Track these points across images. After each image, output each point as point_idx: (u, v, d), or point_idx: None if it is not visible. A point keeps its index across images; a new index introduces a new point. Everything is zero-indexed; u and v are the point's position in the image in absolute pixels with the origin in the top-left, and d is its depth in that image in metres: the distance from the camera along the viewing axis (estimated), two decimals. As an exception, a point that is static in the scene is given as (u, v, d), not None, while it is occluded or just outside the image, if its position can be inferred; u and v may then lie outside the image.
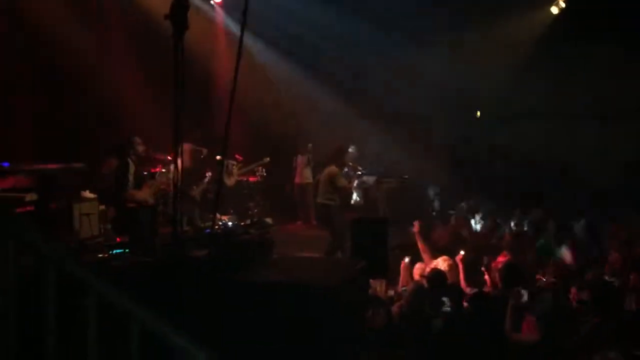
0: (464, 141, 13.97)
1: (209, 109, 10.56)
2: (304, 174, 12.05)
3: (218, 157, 9.19)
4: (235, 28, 11.34)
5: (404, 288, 6.41)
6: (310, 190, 11.91)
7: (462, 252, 6.24)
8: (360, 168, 9.25)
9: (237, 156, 10.87)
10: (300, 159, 12.11)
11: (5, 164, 7.02)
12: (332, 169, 8.38)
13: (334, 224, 8.28)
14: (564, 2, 11.83)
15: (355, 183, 9.43)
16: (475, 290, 5.62)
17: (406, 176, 11.58)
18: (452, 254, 6.22)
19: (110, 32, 9.55)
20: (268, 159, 11.26)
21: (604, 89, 12.77)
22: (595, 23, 11.56)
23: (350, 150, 10.72)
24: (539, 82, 13.17)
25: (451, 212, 9.98)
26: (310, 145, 12.11)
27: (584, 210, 9.75)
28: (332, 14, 11.46)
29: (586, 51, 12.40)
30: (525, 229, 8.31)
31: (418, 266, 6.43)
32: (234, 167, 10.41)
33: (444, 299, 5.09)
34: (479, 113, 14.63)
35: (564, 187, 12.29)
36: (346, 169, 8.69)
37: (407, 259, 6.61)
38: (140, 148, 7.11)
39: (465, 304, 5.21)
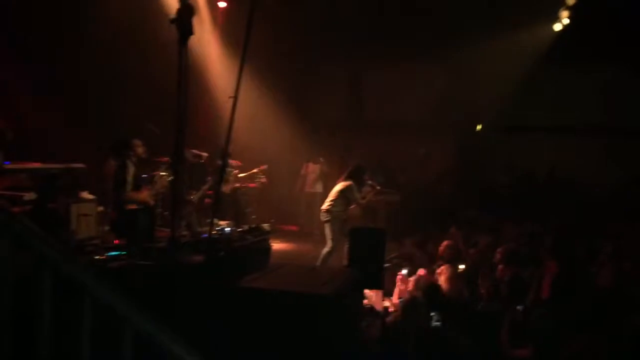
0: (465, 154, 13.98)
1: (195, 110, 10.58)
2: (316, 185, 12.09)
3: (218, 162, 9.23)
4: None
5: (400, 299, 6.40)
6: (319, 202, 11.96)
7: (461, 266, 6.24)
8: (379, 187, 9.23)
9: (235, 162, 10.88)
10: (312, 168, 12.13)
11: (7, 163, 7.02)
12: (349, 183, 8.38)
13: (332, 231, 8.29)
14: (567, 18, 11.86)
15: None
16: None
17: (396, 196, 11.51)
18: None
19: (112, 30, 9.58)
20: (266, 165, 11.28)
21: (606, 104, 12.83)
22: (598, 40, 11.62)
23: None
24: (541, 97, 13.23)
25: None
26: (322, 159, 12.15)
27: (581, 225, 9.79)
28: (332, 20, 11.48)
29: (588, 67, 12.48)
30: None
31: (420, 272, 6.42)
32: (231, 173, 10.40)
33: (433, 313, 5.08)
34: (479, 126, 14.66)
35: (563, 201, 12.30)
36: (367, 189, 8.69)
37: (404, 271, 6.60)
38: (140, 150, 7.10)
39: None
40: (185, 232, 8.29)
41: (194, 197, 9.25)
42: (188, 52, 3.18)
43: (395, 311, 5.98)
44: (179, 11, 3.25)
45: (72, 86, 8.87)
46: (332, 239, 8.21)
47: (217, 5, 11.62)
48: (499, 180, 13.55)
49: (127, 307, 2.10)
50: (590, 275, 6.31)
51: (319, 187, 12.08)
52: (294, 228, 12.17)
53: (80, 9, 8.92)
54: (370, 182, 8.85)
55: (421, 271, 6.47)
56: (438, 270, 6.06)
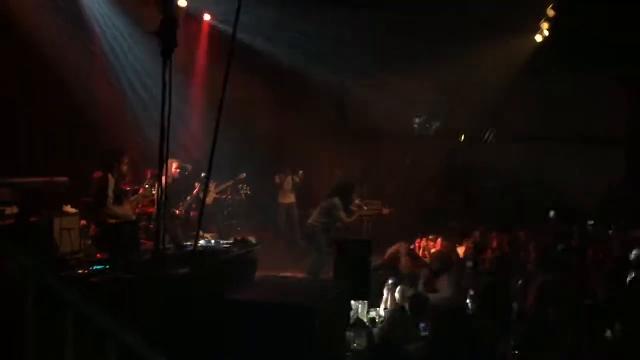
0: (450, 164, 14.09)
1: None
2: (289, 196, 12.13)
3: (203, 175, 9.19)
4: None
5: (385, 309, 6.40)
6: (296, 211, 11.99)
7: None
8: (366, 208, 9.21)
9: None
10: (281, 179, 12.13)
11: (-12, 177, 6.95)
12: (336, 201, 8.34)
13: (319, 244, 8.29)
14: (547, 30, 12.04)
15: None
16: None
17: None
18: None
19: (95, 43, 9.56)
20: (244, 175, 11.24)
21: (589, 113, 13.04)
22: (579, 51, 11.81)
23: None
24: (525, 107, 13.40)
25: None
26: (301, 172, 12.20)
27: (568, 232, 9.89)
28: (316, 32, 11.53)
29: (569, 77, 12.68)
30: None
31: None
32: (212, 184, 10.35)
33: (422, 325, 5.08)
34: (463, 137, 14.79)
35: (549, 208, 12.43)
36: (352, 208, 8.64)
37: (390, 281, 6.60)
38: (125, 169, 7.04)
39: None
40: (169, 245, 8.22)
41: (180, 209, 9.20)
42: (172, 65, 3.18)
43: (381, 322, 5.99)
44: (162, 23, 3.24)
45: (58, 97, 8.83)
46: (319, 252, 8.21)
47: (202, 18, 11.63)
48: (484, 188, 13.67)
49: (110, 321, 2.09)
50: (574, 283, 6.37)
51: (292, 198, 12.11)
52: (277, 239, 12.14)
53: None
54: (357, 201, 8.84)
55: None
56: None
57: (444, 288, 6.29)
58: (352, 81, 13.60)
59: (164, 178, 3.34)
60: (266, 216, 12.39)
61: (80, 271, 5.93)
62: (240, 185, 11.61)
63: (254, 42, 11.25)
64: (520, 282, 6.47)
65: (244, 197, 11.75)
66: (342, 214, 8.28)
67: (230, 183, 10.95)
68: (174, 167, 8.71)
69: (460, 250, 8.06)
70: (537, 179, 13.63)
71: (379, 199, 12.09)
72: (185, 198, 9.37)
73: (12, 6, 8.13)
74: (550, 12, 11.69)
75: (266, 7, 10.07)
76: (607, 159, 13.35)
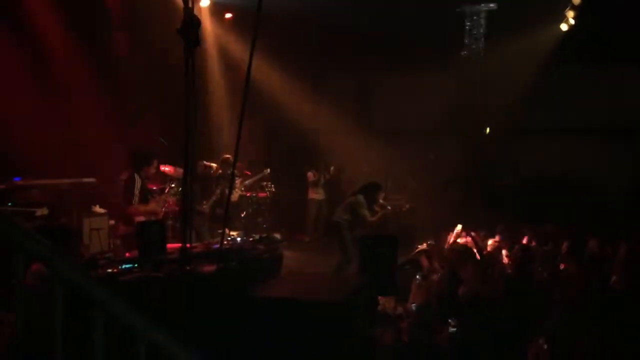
0: (473, 157, 13.93)
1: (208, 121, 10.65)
2: (320, 192, 12.12)
3: (229, 172, 9.26)
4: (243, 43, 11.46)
5: (413, 304, 6.36)
6: (325, 208, 11.99)
7: None
8: (389, 207, 9.22)
9: (246, 172, 10.90)
10: (315, 175, 12.14)
11: (17, 179, 7.08)
12: (360, 198, 8.32)
13: (344, 240, 8.27)
14: (573, 19, 11.80)
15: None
16: None
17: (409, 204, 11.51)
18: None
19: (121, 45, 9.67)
20: (268, 170, 11.26)
21: (615, 105, 12.76)
22: (604, 40, 11.57)
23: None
24: (550, 98, 13.17)
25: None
26: (332, 168, 12.16)
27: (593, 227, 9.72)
28: (339, 28, 11.49)
29: (596, 68, 12.42)
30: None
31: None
32: (238, 181, 10.42)
33: (450, 320, 5.03)
34: (488, 129, 14.62)
35: (573, 202, 12.23)
36: (376, 208, 8.61)
37: (418, 276, 6.56)
38: (153, 172, 7.14)
39: None
40: (196, 244, 8.29)
41: (205, 206, 9.27)
42: (195, 63, 3.19)
43: (409, 317, 5.95)
44: (184, 22, 3.25)
45: (82, 102, 8.96)
46: (345, 249, 8.19)
47: (223, 16, 11.67)
48: (508, 183, 13.50)
49: (140, 320, 2.10)
50: (605, 277, 6.25)
51: (321, 192, 12.08)
52: (304, 236, 12.16)
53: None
54: (382, 201, 8.79)
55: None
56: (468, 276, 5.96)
57: (468, 281, 6.20)
58: (376, 75, 13.53)
59: (189, 177, 3.35)
60: (291, 213, 12.42)
61: (109, 270, 6.02)
62: (265, 182, 11.64)
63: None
64: (545, 275, 6.38)
65: (269, 194, 11.78)
66: (366, 212, 8.23)
67: (255, 179, 10.99)
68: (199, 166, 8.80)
69: (489, 245, 7.95)
70: (561, 173, 13.41)
71: (403, 193, 12.05)
72: (211, 196, 9.46)
73: (27, 5, 8.25)
74: (576, 0, 11.46)
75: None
76: (632, 151, 13.06)
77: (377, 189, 8.50)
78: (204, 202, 9.37)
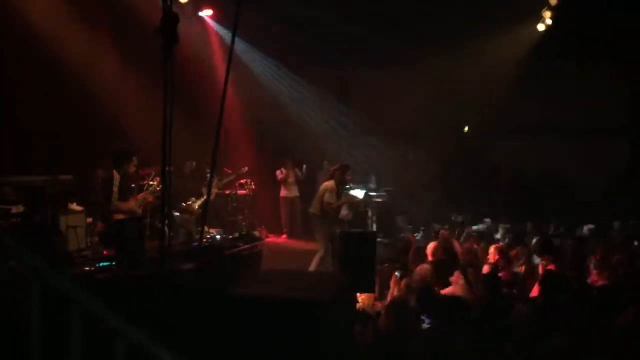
0: (454, 156, 14.07)
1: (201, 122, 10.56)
2: (292, 189, 12.16)
3: (207, 170, 9.25)
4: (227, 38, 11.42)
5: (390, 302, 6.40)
6: (298, 204, 12.03)
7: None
8: (357, 199, 9.30)
9: (227, 170, 10.87)
10: (283, 173, 12.13)
11: (-7, 176, 6.98)
12: (329, 183, 8.38)
13: (316, 233, 8.33)
14: (550, 19, 11.96)
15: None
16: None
17: (390, 188, 11.68)
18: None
19: (102, 39, 9.54)
20: (246, 168, 11.22)
21: (592, 104, 12.97)
22: (582, 39, 11.74)
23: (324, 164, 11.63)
24: (528, 98, 13.35)
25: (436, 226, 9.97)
26: (305, 166, 12.23)
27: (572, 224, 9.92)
28: (322, 25, 11.49)
29: (571, 68, 12.62)
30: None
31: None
32: (216, 179, 10.37)
33: (423, 317, 5.07)
34: (466, 128, 14.76)
35: (553, 200, 12.43)
36: (348, 186, 8.69)
37: (397, 273, 6.60)
38: (132, 169, 7.10)
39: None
40: (175, 242, 8.27)
41: (194, 205, 9.29)
42: (175, 62, 3.18)
43: (386, 314, 5.98)
44: (163, 20, 3.24)
45: (60, 97, 8.83)
46: (320, 241, 8.21)
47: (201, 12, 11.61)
48: (488, 182, 13.66)
49: (117, 319, 2.09)
50: (581, 274, 6.37)
51: (295, 190, 12.15)
52: (282, 233, 12.18)
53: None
54: (349, 185, 8.85)
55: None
56: (453, 278, 6.01)
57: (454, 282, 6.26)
58: (355, 75, 13.58)
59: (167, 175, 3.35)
60: (271, 210, 12.41)
61: (87, 268, 5.97)
62: (245, 180, 11.62)
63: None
64: (522, 271, 6.48)
65: (249, 192, 11.76)
66: (328, 196, 8.25)
67: (232, 177, 10.94)
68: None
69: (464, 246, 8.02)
70: (539, 172, 13.61)
71: (382, 191, 12.14)
72: (199, 193, 9.50)
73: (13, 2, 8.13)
74: (553, 0, 11.60)
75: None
76: (610, 150, 13.31)
77: (344, 169, 8.54)
78: (193, 199, 9.38)
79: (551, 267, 6.17)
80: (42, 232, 6.67)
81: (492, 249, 6.85)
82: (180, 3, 10.23)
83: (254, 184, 11.83)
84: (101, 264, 6.26)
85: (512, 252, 6.99)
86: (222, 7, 11.21)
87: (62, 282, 2.06)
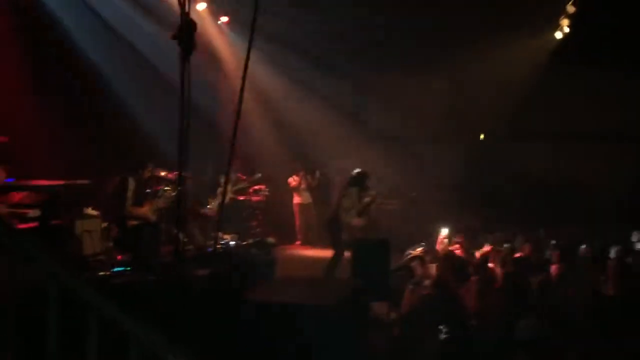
0: (469, 163, 13.98)
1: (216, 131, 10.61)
2: (305, 196, 12.17)
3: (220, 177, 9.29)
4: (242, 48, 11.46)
5: (406, 310, 6.36)
6: (312, 210, 12.03)
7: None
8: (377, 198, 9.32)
9: (240, 176, 10.91)
10: (295, 180, 12.16)
11: (10, 180, 7.05)
12: (351, 190, 8.43)
13: (332, 240, 8.34)
14: (567, 27, 11.89)
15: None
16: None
17: (414, 194, 11.67)
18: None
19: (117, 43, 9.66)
20: (259, 175, 11.26)
21: (608, 110, 12.85)
22: (599, 47, 11.66)
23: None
24: (544, 104, 13.27)
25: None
26: (318, 172, 12.26)
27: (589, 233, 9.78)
28: (334, 32, 11.51)
29: (589, 74, 12.51)
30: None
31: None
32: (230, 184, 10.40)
33: (441, 327, 5.03)
34: (482, 135, 14.68)
35: (570, 207, 12.30)
36: (368, 197, 8.73)
37: (411, 281, 6.56)
38: (147, 175, 7.17)
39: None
40: (189, 247, 8.30)
41: (210, 209, 9.34)
42: (190, 68, 3.20)
43: (401, 323, 5.95)
44: (180, 27, 3.27)
45: (78, 101, 8.95)
46: (336, 248, 8.21)
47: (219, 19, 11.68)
48: (504, 188, 13.54)
49: (132, 323, 2.11)
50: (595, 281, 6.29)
51: (306, 198, 12.19)
52: (296, 240, 12.17)
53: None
54: (372, 192, 8.86)
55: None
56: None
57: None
58: (369, 80, 13.56)
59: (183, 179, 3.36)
60: (285, 216, 12.41)
61: (102, 273, 6.01)
62: (258, 186, 11.64)
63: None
64: (539, 280, 6.41)
65: (263, 198, 11.78)
66: (346, 202, 8.28)
67: (246, 184, 10.99)
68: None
69: (484, 250, 7.96)
70: (557, 178, 13.47)
71: (396, 198, 12.10)
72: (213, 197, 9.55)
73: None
74: (570, 9, 11.55)
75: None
76: (630, 155, 13.15)
77: (365, 176, 8.59)
78: (210, 205, 9.43)
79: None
80: (59, 236, 6.73)
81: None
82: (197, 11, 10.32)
83: (267, 190, 11.85)
84: (116, 269, 6.30)
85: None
86: (239, 15, 11.27)
87: (78, 286, 2.08)
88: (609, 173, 12.84)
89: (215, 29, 11.64)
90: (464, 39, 11.55)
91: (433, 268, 6.91)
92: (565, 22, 11.87)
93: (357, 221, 8.45)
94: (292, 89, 12.64)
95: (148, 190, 7.93)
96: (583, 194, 12.91)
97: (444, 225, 9.05)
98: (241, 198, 11.27)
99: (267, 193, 11.78)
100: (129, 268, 6.26)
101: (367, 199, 8.67)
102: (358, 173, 8.68)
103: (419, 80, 12.69)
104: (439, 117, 13.02)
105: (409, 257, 7.47)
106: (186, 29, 3.28)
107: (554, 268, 6.69)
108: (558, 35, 12.18)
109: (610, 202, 12.43)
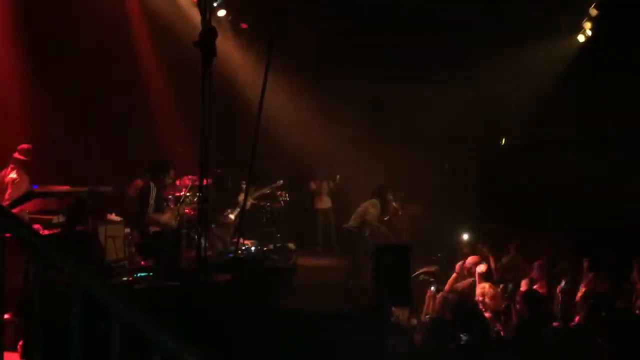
0: (489, 168, 13.86)
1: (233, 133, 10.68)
2: (325, 200, 12.16)
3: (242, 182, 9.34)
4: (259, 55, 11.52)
5: (427, 315, 6.32)
6: (332, 216, 12.02)
7: None
8: (400, 213, 9.35)
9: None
10: (316, 185, 12.16)
11: (35, 186, 7.17)
12: (374, 202, 8.50)
13: (355, 249, 8.34)
14: (590, 30, 11.75)
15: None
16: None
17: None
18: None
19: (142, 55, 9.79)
20: (281, 181, 11.29)
21: (632, 116, 12.63)
22: (623, 50, 11.49)
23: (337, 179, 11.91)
24: (565, 109, 13.09)
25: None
26: (338, 177, 12.23)
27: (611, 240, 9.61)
28: (352, 38, 11.52)
29: (612, 79, 12.32)
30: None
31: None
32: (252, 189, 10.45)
33: (462, 335, 4.98)
34: (504, 140, 14.54)
35: (592, 214, 12.09)
36: (390, 209, 8.83)
37: (432, 288, 6.53)
38: (169, 181, 7.21)
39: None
40: (210, 253, 8.33)
41: (230, 216, 9.39)
42: (212, 75, 3.23)
43: (422, 329, 5.90)
44: (202, 34, 3.30)
45: (99, 110, 9.07)
46: (356, 256, 8.22)
47: (240, 27, 11.77)
48: (527, 193, 13.38)
49: (154, 328, 2.12)
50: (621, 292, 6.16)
51: (326, 202, 12.15)
52: (317, 245, 12.16)
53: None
54: (394, 203, 8.91)
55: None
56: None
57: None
58: (389, 84, 13.53)
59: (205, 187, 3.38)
60: (306, 222, 12.42)
61: (124, 278, 6.05)
62: (279, 192, 11.67)
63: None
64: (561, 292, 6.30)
65: (283, 204, 11.80)
66: (372, 218, 8.35)
67: (267, 190, 11.03)
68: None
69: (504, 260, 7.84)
70: (577, 184, 13.26)
71: (417, 203, 12.03)
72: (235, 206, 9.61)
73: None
74: (593, 12, 11.41)
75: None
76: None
77: (386, 190, 8.66)
78: (229, 211, 9.48)
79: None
80: (84, 242, 6.81)
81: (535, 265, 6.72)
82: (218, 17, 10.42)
83: (287, 196, 11.88)
84: (138, 275, 6.35)
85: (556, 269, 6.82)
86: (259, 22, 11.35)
87: (103, 292, 2.10)
88: (634, 179, 12.61)
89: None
90: (486, 43, 11.48)
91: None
92: (587, 25, 11.73)
93: (377, 229, 8.48)
94: (313, 91, 12.65)
95: (170, 196, 8.01)
96: (606, 202, 12.68)
97: (465, 231, 8.99)
98: (262, 204, 11.32)
99: (286, 198, 11.81)
100: (151, 274, 6.30)
101: (387, 213, 8.74)
102: (379, 187, 8.76)
103: (439, 86, 12.63)
104: (460, 123, 12.94)
105: (419, 271, 7.44)
106: (207, 36, 3.31)
107: None
108: (581, 38, 12.03)
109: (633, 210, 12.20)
